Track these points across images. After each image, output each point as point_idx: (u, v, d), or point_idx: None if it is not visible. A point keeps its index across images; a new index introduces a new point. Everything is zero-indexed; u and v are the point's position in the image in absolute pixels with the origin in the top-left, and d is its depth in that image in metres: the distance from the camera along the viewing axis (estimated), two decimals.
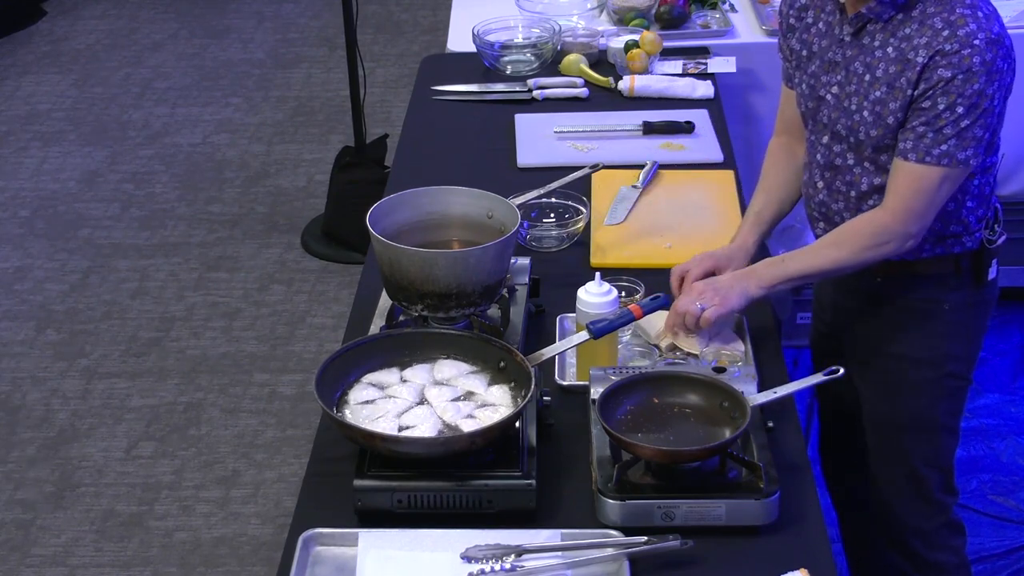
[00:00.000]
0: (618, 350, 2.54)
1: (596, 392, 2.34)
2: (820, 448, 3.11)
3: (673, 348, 2.54)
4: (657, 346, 2.56)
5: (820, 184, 2.61)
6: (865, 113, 2.45)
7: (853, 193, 2.55)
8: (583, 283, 2.54)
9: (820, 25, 2.55)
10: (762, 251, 2.75)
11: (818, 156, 2.59)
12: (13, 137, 5.73)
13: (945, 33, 2.33)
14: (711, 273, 2.58)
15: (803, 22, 2.60)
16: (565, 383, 2.52)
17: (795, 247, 4.12)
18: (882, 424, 2.73)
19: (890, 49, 2.41)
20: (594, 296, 2.50)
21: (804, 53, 2.57)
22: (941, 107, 2.34)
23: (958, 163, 2.38)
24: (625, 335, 2.58)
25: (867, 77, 2.44)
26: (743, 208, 3.07)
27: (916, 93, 2.37)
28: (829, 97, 2.53)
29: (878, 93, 2.42)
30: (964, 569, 2.82)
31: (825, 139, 2.56)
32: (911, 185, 2.40)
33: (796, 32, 2.61)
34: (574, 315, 2.55)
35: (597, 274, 2.54)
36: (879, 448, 2.76)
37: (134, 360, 4.36)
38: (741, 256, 2.64)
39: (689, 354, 2.52)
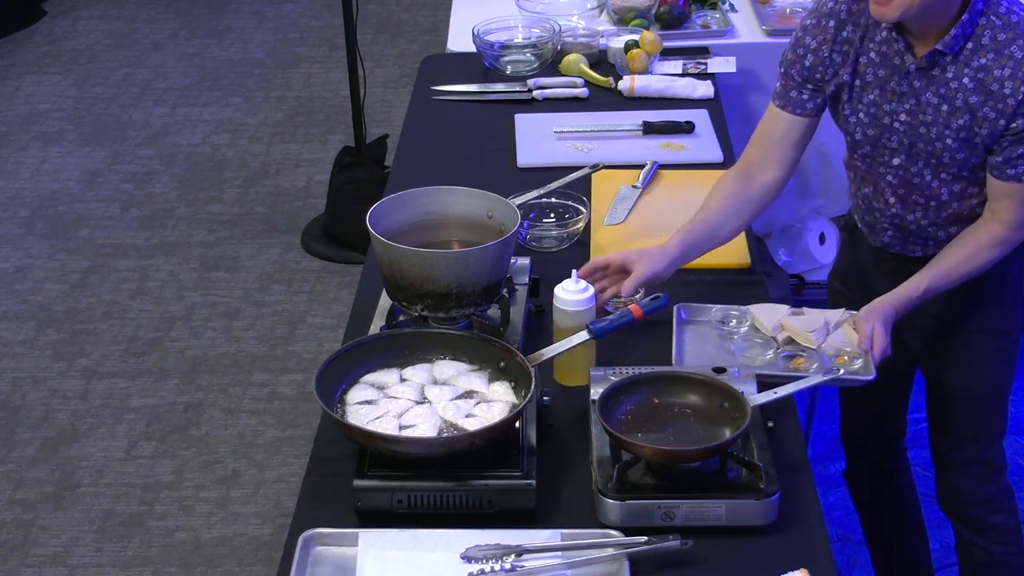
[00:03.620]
0: (734, 342, 2.56)
1: (596, 392, 2.34)
2: (845, 433, 3.17)
3: (790, 341, 2.55)
4: (774, 338, 2.56)
5: (892, 200, 2.66)
6: (948, 141, 2.51)
7: (933, 203, 2.62)
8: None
9: (872, 55, 2.55)
10: (764, 254, 2.77)
11: (889, 177, 2.64)
12: (13, 137, 5.73)
13: None
14: (623, 270, 2.61)
15: (848, 55, 2.59)
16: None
17: (795, 247, 4.15)
18: (954, 396, 2.79)
19: (966, 80, 2.46)
20: (571, 294, 2.50)
21: (857, 84, 2.59)
22: None
23: None
24: (742, 328, 2.58)
25: (944, 107, 2.49)
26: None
27: (1013, 125, 2.44)
28: (897, 124, 2.56)
29: (961, 121, 2.48)
30: (1017, 531, 2.91)
31: (896, 161, 2.60)
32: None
33: (841, 64, 2.59)
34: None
35: (574, 272, 2.53)
36: (948, 420, 2.83)
37: (134, 360, 4.36)
38: (658, 256, 2.63)
39: (806, 348, 2.53)
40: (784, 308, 2.61)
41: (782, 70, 2.68)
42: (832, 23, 2.58)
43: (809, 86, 2.64)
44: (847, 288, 2.88)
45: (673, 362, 2.52)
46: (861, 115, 2.60)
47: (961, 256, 2.57)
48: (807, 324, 2.56)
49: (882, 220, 2.70)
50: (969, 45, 2.44)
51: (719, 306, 2.63)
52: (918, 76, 2.50)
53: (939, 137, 2.51)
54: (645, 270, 2.59)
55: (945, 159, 2.53)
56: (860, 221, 2.79)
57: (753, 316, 2.60)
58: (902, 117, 2.55)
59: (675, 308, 2.63)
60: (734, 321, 2.60)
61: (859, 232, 2.82)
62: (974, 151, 2.50)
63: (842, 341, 2.55)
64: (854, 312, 2.61)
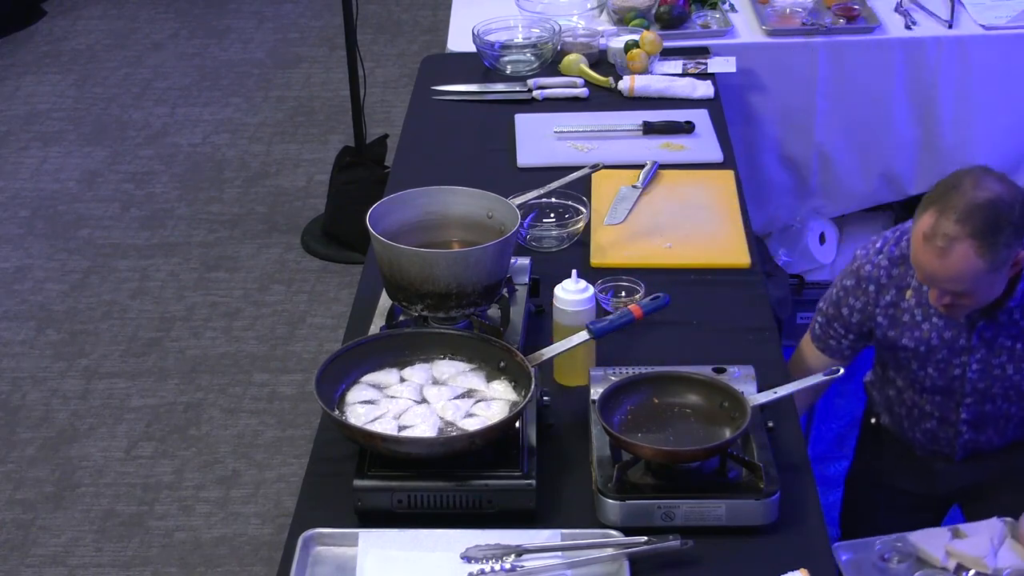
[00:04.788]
0: None
1: (596, 392, 2.34)
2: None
3: (960, 568, 2.43)
4: (947, 568, 2.44)
5: (964, 429, 2.70)
6: None
7: (1003, 422, 2.69)
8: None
9: (935, 320, 2.58)
10: (764, 254, 2.77)
11: (963, 414, 2.67)
12: (13, 137, 5.73)
13: None
14: None
15: (900, 320, 2.61)
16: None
17: (795, 247, 4.16)
18: None
19: None
20: (571, 294, 2.50)
21: (922, 349, 2.62)
22: None
23: None
24: (905, 562, 2.43)
25: (1019, 346, 2.57)
26: (743, 208, 3.08)
27: None
28: (970, 374, 2.61)
29: None
30: None
31: (969, 400, 2.65)
32: None
33: (890, 327, 2.63)
34: None
35: (574, 271, 2.54)
36: None
37: (134, 360, 4.36)
38: None
39: (981, 574, 2.43)
40: (944, 532, 2.49)
41: (821, 319, 2.74)
42: (872, 287, 2.63)
43: (852, 336, 2.70)
44: (882, 492, 2.88)
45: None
46: (931, 370, 2.64)
47: None
48: (975, 548, 2.44)
49: (954, 445, 2.73)
50: None
51: (880, 540, 2.46)
52: (987, 328, 2.55)
53: (1017, 371, 2.58)
54: None
55: None
56: (919, 448, 2.78)
57: (917, 547, 2.46)
58: (974, 366, 2.60)
59: (834, 548, 2.45)
60: (896, 558, 2.44)
61: (895, 441, 2.82)
62: None
63: (1014, 560, 2.43)
64: (1010, 520, 2.54)
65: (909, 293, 2.59)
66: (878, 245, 2.65)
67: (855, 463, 3.01)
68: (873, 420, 2.90)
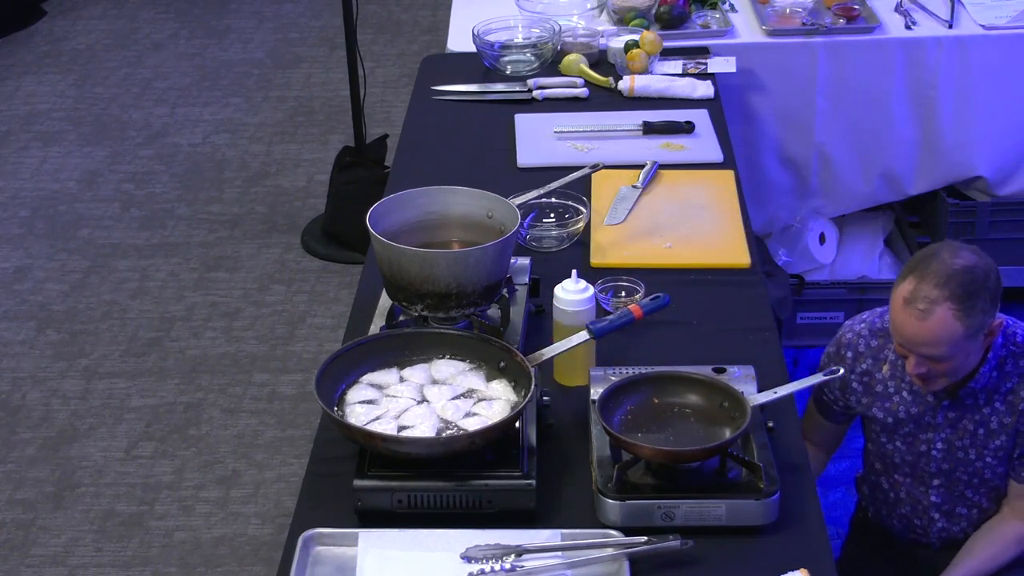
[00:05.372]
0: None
1: (596, 392, 2.34)
2: None
3: None
4: None
5: (936, 516, 2.75)
6: (988, 459, 2.65)
7: (975, 511, 2.72)
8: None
9: (905, 394, 2.64)
10: (764, 254, 2.78)
11: (932, 497, 2.72)
12: (13, 137, 5.73)
13: None
14: None
15: (873, 389, 2.67)
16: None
17: (795, 247, 4.16)
18: None
19: (997, 404, 2.60)
20: (571, 294, 2.50)
21: (890, 420, 2.68)
22: None
23: None
24: None
25: (981, 431, 2.61)
26: (743, 208, 3.08)
27: None
28: (935, 452, 2.66)
29: (998, 442, 2.62)
30: None
31: (936, 482, 2.70)
32: None
33: (864, 394, 2.69)
34: None
35: (574, 271, 2.54)
36: None
37: (134, 360, 4.36)
38: None
39: None
40: None
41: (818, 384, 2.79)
42: (849, 354, 2.69)
43: (841, 403, 2.75)
44: None
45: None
46: (898, 443, 2.69)
47: (989, 553, 2.67)
48: None
49: (929, 533, 2.76)
50: (995, 374, 2.56)
51: None
52: (951, 409, 2.60)
53: (978, 457, 2.63)
54: None
55: (987, 475, 2.65)
56: (899, 535, 2.83)
57: None
58: (939, 445, 2.65)
59: None
60: None
61: (879, 532, 2.85)
62: (1012, 463, 2.63)
63: None
64: None
65: (886, 367, 2.65)
66: (863, 316, 2.72)
67: (841, 559, 3.03)
68: (860, 515, 2.96)
